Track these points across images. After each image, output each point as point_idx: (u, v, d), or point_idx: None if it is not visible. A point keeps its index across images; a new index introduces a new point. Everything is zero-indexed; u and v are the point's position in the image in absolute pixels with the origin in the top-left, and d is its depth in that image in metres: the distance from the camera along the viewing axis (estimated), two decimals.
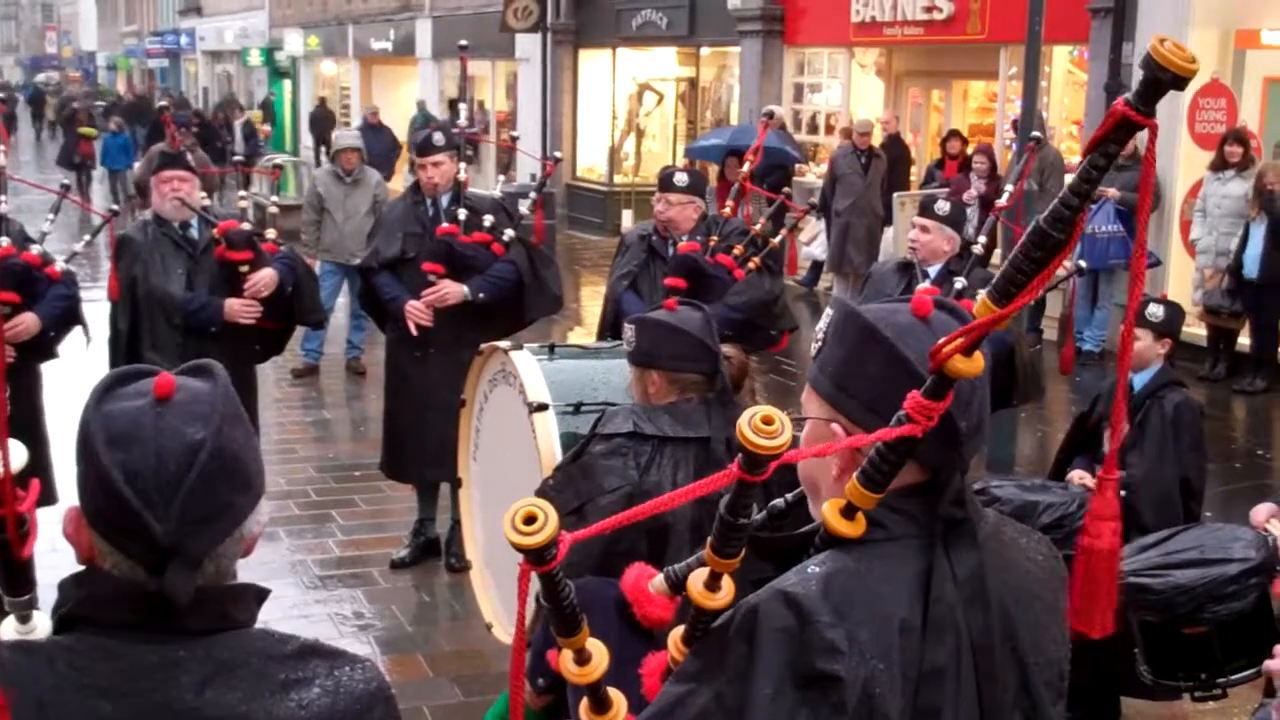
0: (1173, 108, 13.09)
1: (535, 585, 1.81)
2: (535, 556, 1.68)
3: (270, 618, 1.91)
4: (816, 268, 16.41)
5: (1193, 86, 13.04)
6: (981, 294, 1.75)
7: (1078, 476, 5.50)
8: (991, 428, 1.98)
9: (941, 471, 1.89)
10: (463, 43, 8.08)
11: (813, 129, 19.42)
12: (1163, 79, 1.57)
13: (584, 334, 13.40)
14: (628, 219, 20.40)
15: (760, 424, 1.67)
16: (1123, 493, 5.35)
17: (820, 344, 1.99)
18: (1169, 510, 5.33)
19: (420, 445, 7.04)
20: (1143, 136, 1.66)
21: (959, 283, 6.10)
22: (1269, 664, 2.80)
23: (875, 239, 14.80)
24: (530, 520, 1.65)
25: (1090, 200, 1.64)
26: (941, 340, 1.73)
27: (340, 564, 7.55)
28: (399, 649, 6.53)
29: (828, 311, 2.01)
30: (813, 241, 15.98)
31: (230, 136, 29.69)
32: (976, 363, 1.73)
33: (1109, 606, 1.83)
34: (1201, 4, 13.06)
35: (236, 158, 9.51)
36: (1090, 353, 12.62)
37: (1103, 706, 5.77)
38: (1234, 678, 4.34)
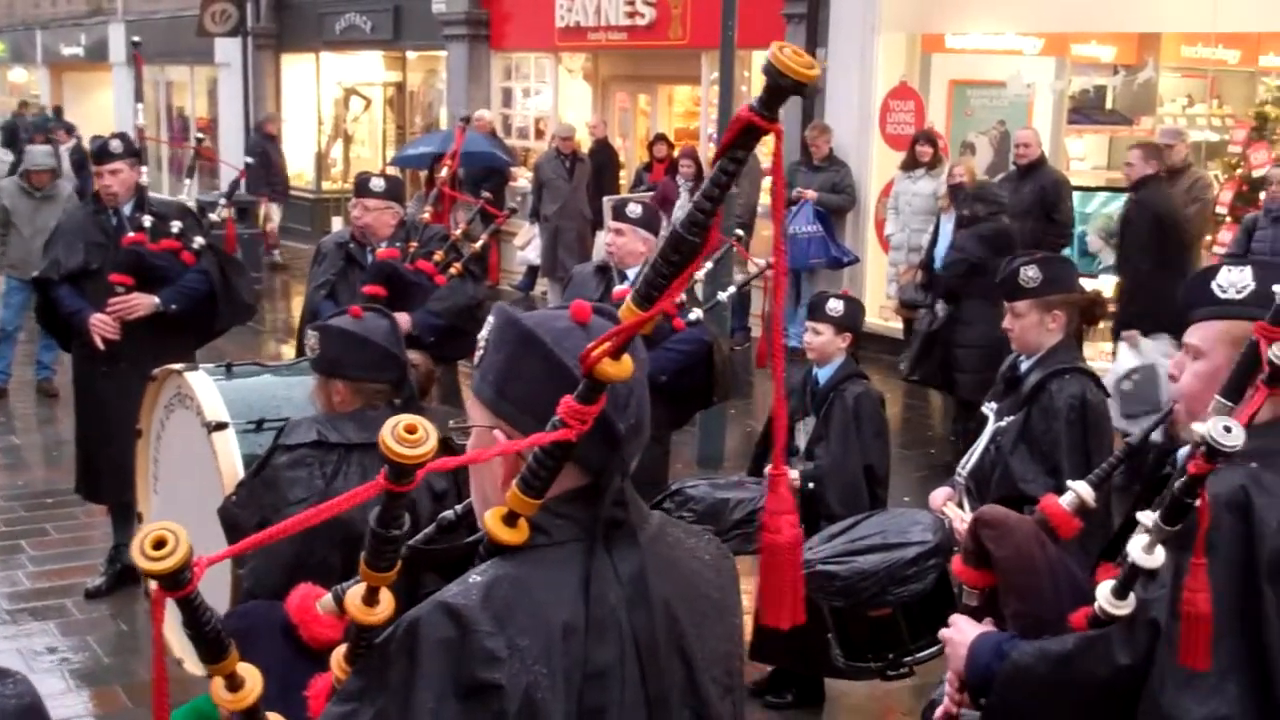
0: (864, 110, 13.60)
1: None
2: (169, 582, 1.62)
3: None
4: (532, 272, 16.43)
5: (883, 89, 13.60)
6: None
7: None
8: (647, 433, 1.99)
9: (603, 475, 1.90)
10: (135, 39, 7.79)
11: (523, 134, 19.43)
12: (783, 85, 1.59)
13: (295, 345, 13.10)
14: (337, 225, 20.02)
15: (403, 433, 1.64)
16: (810, 485, 5.51)
17: (482, 351, 1.97)
18: (856, 498, 5.52)
19: (114, 465, 6.72)
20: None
21: None
22: (943, 631, 2.90)
23: (586, 242, 14.91)
24: (160, 545, 1.58)
25: (721, 203, 1.66)
26: (590, 344, 1.73)
27: (31, 596, 7.17)
28: (97, 681, 6.25)
29: (490, 319, 1.99)
30: (527, 246, 15.99)
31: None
32: (625, 366, 1.74)
33: (796, 598, 1.86)
34: (889, 10, 13.59)
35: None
36: (796, 349, 12.95)
37: (809, 689, 5.97)
38: (920, 655, 4.51)
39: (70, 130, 22.01)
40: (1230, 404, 2.55)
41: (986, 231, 9.82)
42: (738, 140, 1.62)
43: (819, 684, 6.05)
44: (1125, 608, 2.52)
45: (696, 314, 6.13)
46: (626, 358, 1.75)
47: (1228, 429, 2.25)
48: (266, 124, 20.12)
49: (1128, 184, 10.32)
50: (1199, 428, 2.30)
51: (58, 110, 27.38)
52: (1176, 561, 2.44)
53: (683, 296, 6.11)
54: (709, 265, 6.72)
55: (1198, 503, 2.35)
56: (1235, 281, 2.72)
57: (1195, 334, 2.79)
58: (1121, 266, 10.23)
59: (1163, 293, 8.23)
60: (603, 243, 14.78)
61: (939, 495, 4.78)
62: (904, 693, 5.99)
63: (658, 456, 6.27)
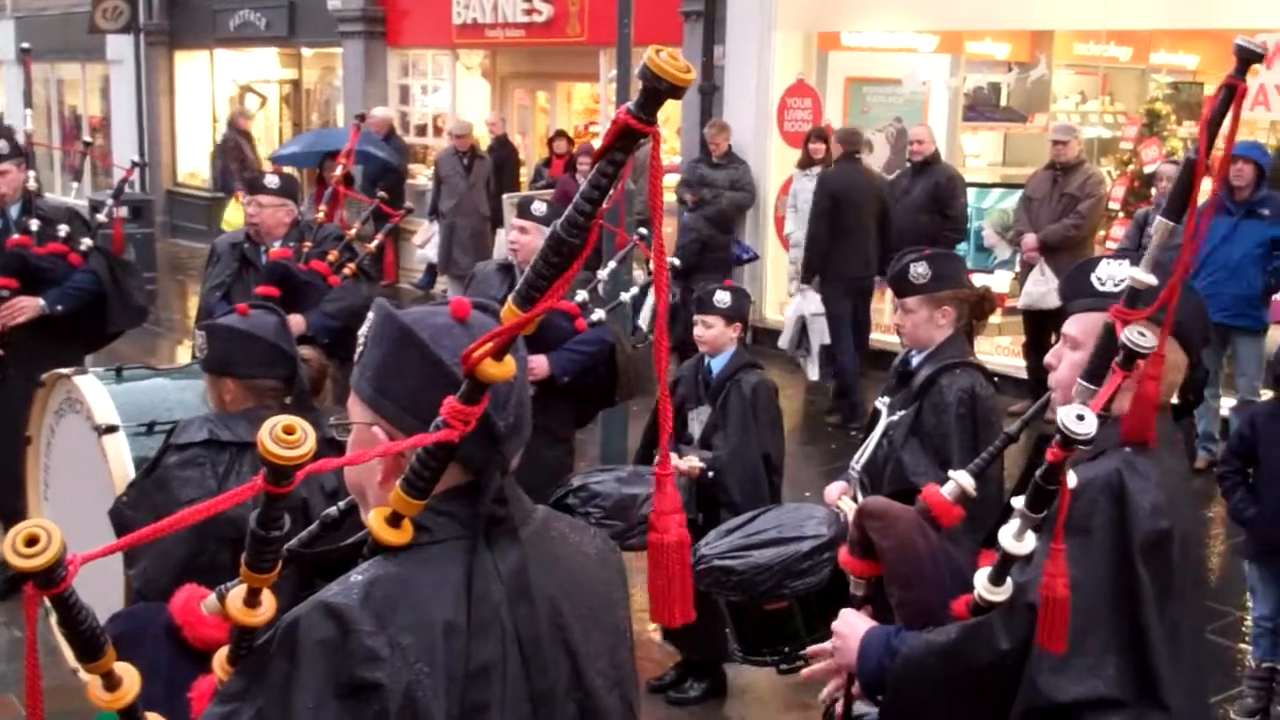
0: (762, 107, 13.67)
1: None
2: (42, 580, 1.60)
3: None
4: (432, 270, 16.33)
5: (781, 87, 13.68)
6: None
7: None
8: (528, 430, 2.00)
9: (483, 472, 1.90)
10: (25, 45, 7.71)
11: (421, 132, 19.32)
12: (660, 88, 1.61)
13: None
14: None
15: (281, 434, 1.63)
16: (710, 474, 5.54)
17: (362, 347, 1.97)
18: (757, 487, 5.59)
19: (3, 473, 6.60)
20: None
21: None
22: (834, 624, 2.93)
23: (483, 240, 14.86)
24: (32, 542, 1.56)
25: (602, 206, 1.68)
26: (471, 345, 1.73)
27: None
28: None
29: (370, 316, 1.98)
30: (426, 244, 15.89)
31: None
32: (507, 367, 1.75)
33: (685, 597, 1.87)
34: (786, 7, 13.66)
35: None
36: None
37: (711, 681, 6.03)
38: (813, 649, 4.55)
39: None
40: (1092, 387, 2.62)
41: (711, 213, 12.16)
42: (616, 143, 1.63)
43: (721, 676, 6.10)
44: (1002, 594, 2.58)
45: (599, 314, 6.13)
46: (509, 358, 1.76)
47: (1080, 417, 2.30)
48: (239, 118, 19.76)
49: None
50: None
51: None
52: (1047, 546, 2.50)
53: (585, 296, 6.12)
54: (612, 264, 6.73)
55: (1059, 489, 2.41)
56: (1114, 275, 2.78)
57: (1074, 325, 2.84)
58: (809, 232, 11.25)
59: (833, 255, 10.95)
60: (504, 241, 14.83)
61: (834, 489, 4.84)
62: (807, 685, 6.04)
63: (561, 455, 6.27)
